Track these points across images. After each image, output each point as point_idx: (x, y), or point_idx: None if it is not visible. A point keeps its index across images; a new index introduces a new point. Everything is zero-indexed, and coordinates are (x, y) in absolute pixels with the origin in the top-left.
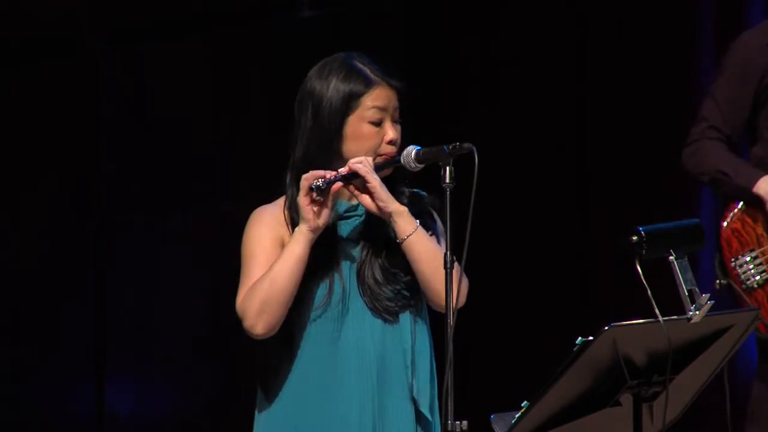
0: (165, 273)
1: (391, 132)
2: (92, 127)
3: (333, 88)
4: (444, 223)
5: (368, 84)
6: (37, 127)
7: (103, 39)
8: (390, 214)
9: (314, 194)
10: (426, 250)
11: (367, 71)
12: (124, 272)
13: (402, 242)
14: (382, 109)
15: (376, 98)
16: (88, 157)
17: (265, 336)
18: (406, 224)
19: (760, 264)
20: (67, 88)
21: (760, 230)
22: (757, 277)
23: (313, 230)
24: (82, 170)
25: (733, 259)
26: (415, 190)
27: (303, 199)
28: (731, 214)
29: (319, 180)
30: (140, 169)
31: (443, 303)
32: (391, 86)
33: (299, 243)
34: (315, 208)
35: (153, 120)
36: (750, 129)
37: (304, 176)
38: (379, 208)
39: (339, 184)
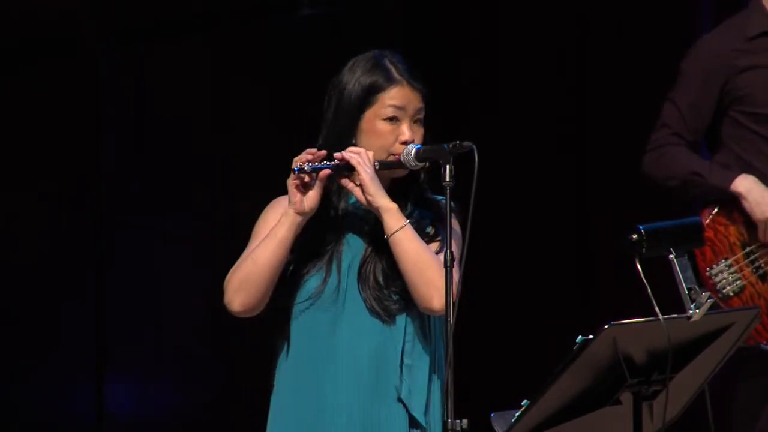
0: (165, 273)
1: (407, 132)
2: (92, 127)
3: (355, 80)
4: (446, 222)
5: (389, 81)
6: (37, 127)
7: (103, 39)
8: (377, 209)
9: (304, 176)
10: (412, 250)
11: (392, 69)
12: (124, 272)
13: (387, 238)
14: (400, 108)
15: (394, 97)
16: (88, 157)
17: (242, 314)
18: (392, 220)
19: (735, 272)
20: (67, 88)
21: (732, 238)
22: (733, 285)
23: (299, 212)
24: (82, 170)
25: (708, 269)
26: (435, 196)
27: (290, 181)
28: (704, 223)
29: (306, 163)
30: (140, 169)
31: (426, 305)
32: (413, 87)
33: (283, 225)
34: (302, 191)
35: (153, 120)
36: (711, 136)
37: (296, 158)
38: (367, 201)
39: (327, 171)
